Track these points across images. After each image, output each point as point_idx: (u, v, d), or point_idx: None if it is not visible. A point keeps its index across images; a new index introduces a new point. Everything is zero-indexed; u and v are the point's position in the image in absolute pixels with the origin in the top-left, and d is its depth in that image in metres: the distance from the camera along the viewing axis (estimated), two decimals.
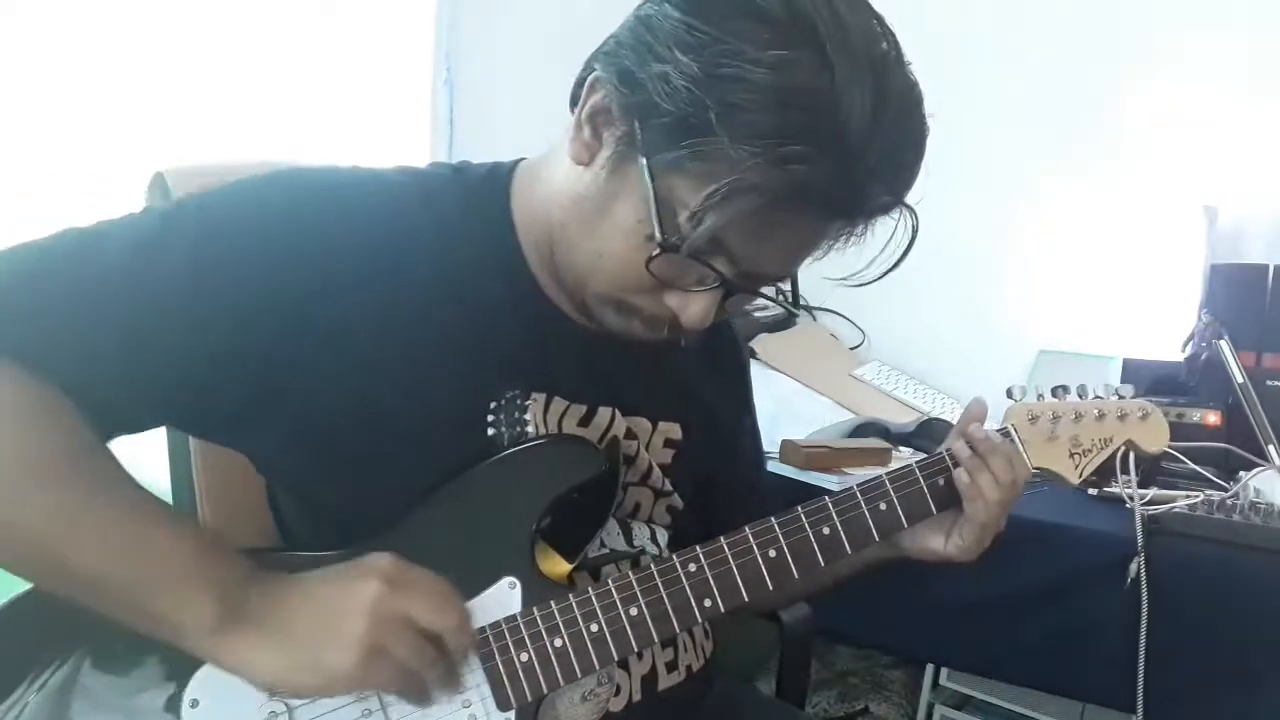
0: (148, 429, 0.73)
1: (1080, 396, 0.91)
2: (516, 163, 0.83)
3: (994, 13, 1.96)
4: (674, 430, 0.88)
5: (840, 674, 1.93)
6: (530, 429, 0.77)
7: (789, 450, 1.43)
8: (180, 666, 0.67)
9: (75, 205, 1.50)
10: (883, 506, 0.82)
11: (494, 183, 0.80)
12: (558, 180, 0.75)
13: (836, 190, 0.65)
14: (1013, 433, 0.87)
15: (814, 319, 2.12)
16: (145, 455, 1.58)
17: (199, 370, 0.68)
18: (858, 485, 0.83)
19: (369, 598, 0.64)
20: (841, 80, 0.63)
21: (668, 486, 0.88)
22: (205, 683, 0.67)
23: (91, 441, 0.66)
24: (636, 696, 0.83)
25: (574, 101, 0.74)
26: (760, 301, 0.78)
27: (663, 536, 0.89)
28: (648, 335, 0.75)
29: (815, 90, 0.63)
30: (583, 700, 0.79)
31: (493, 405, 0.76)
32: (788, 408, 1.73)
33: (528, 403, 0.77)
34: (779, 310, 0.78)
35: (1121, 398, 0.91)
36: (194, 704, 0.67)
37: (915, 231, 0.72)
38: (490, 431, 0.76)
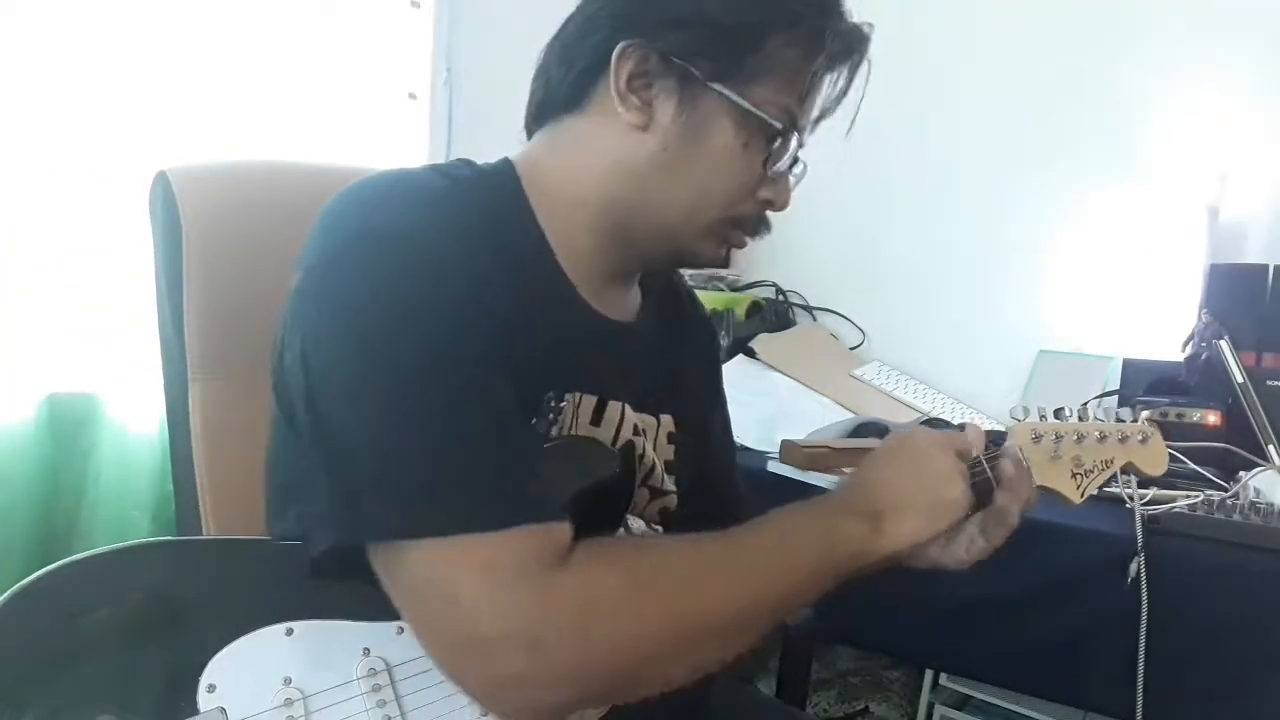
0: None
1: (1081, 418, 0.92)
2: (508, 162, 0.82)
3: (995, 12, 1.96)
4: (671, 423, 0.89)
5: (840, 674, 1.93)
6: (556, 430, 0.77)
7: (789, 450, 1.43)
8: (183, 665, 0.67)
9: (79, 206, 1.50)
10: None
11: (509, 186, 0.79)
12: (608, 159, 0.78)
13: (854, 40, 0.79)
14: (1019, 452, 0.88)
15: (814, 319, 2.12)
16: (143, 456, 1.58)
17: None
18: None
19: (943, 442, 0.81)
20: None
21: (667, 485, 0.88)
22: (222, 666, 0.67)
23: (659, 555, 0.69)
24: None
25: (571, 97, 0.78)
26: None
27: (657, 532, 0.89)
28: (743, 242, 0.84)
29: None
30: None
31: (540, 407, 0.76)
32: (788, 408, 1.73)
33: (562, 404, 0.77)
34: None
35: (1122, 420, 0.93)
36: (211, 688, 0.66)
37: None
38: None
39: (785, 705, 1.16)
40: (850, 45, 0.78)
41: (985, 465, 0.85)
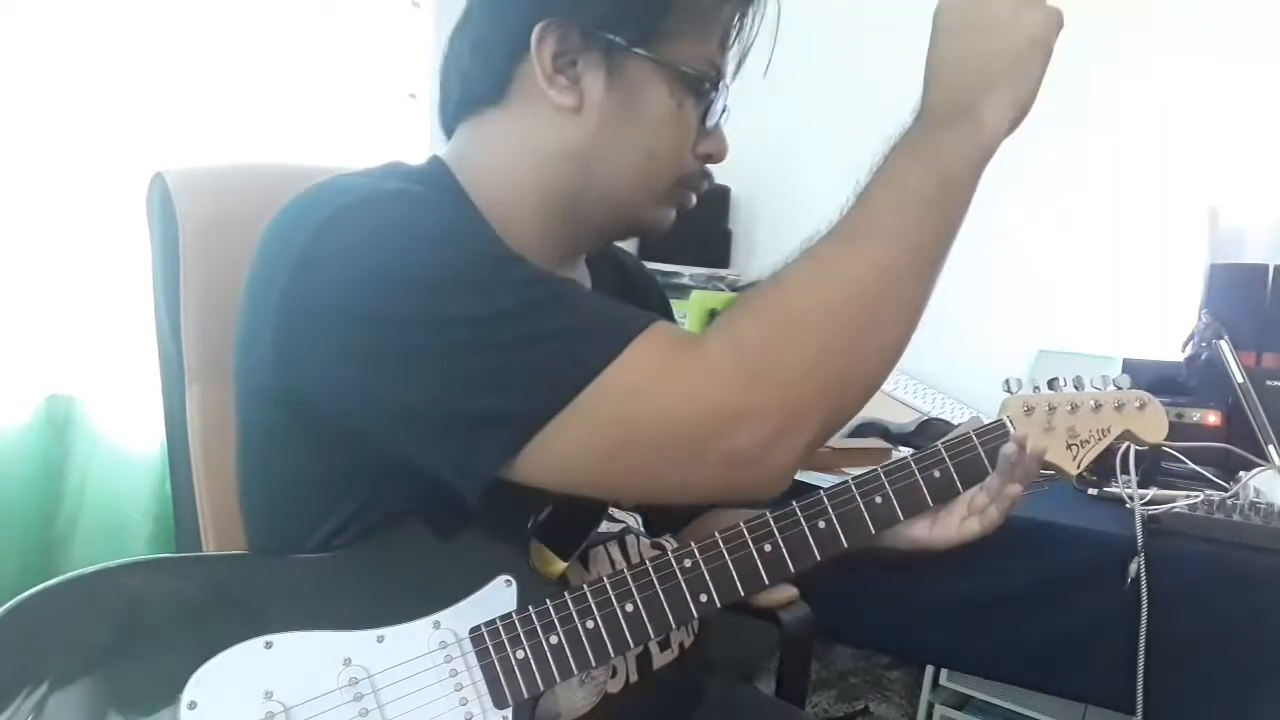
0: None
1: (1076, 388, 0.91)
2: (439, 161, 0.81)
3: None
4: None
5: (840, 674, 1.93)
6: None
7: None
8: (172, 671, 0.67)
9: (76, 207, 1.50)
10: (879, 500, 0.82)
11: (443, 177, 0.79)
12: (546, 148, 0.77)
13: None
14: (1009, 425, 0.87)
15: None
16: (141, 458, 1.58)
17: None
18: (852, 479, 0.83)
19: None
20: None
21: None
22: (202, 683, 0.67)
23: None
24: (633, 677, 0.84)
25: (488, 92, 0.78)
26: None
27: (637, 518, 0.91)
28: (691, 201, 0.83)
29: None
30: (580, 685, 0.79)
31: None
32: None
33: None
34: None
35: (1119, 388, 0.91)
36: (192, 705, 0.66)
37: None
38: None
39: (785, 705, 1.16)
40: None
41: (977, 443, 0.85)
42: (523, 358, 0.62)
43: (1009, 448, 0.84)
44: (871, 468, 0.84)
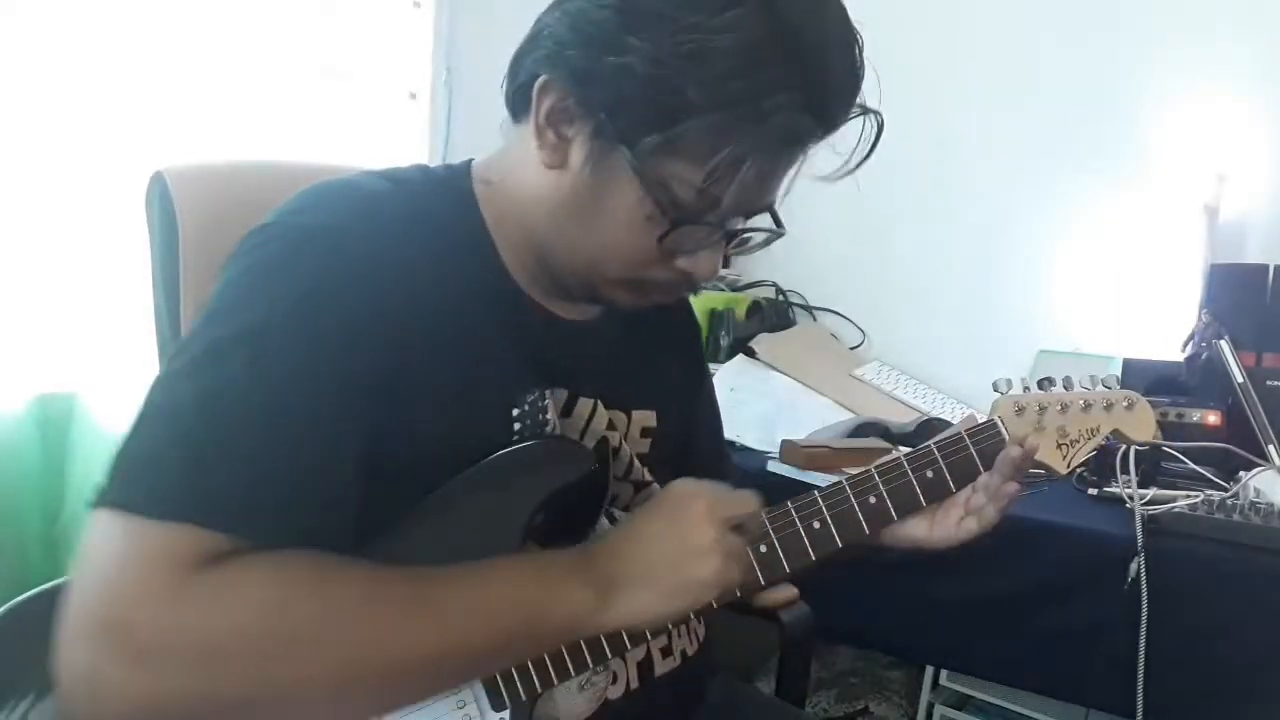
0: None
1: (1066, 389, 0.92)
2: (468, 165, 0.82)
3: (995, 13, 1.96)
4: (649, 418, 0.89)
5: (840, 674, 1.92)
6: (549, 428, 0.78)
7: (789, 450, 1.43)
8: None
9: (77, 204, 1.50)
10: (872, 500, 0.83)
11: (460, 190, 0.79)
12: (531, 189, 0.75)
13: (817, 123, 0.70)
14: (1000, 425, 0.88)
15: (814, 319, 2.12)
16: None
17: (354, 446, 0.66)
18: (847, 479, 0.83)
19: (703, 511, 0.70)
20: (791, 20, 0.66)
21: (647, 477, 0.88)
22: None
23: (359, 587, 0.62)
24: (634, 684, 0.83)
25: (515, 106, 0.76)
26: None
27: None
28: (664, 300, 0.80)
29: (775, 37, 0.66)
30: (580, 690, 0.79)
31: (515, 412, 0.76)
32: (788, 408, 1.73)
33: (545, 401, 0.78)
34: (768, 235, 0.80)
35: (1107, 388, 0.92)
36: None
37: (881, 127, 0.75)
38: (516, 437, 0.76)
39: (785, 705, 1.16)
40: (792, 135, 0.69)
41: (969, 443, 0.85)
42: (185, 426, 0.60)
43: (1014, 450, 0.84)
44: (866, 468, 0.84)
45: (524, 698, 0.72)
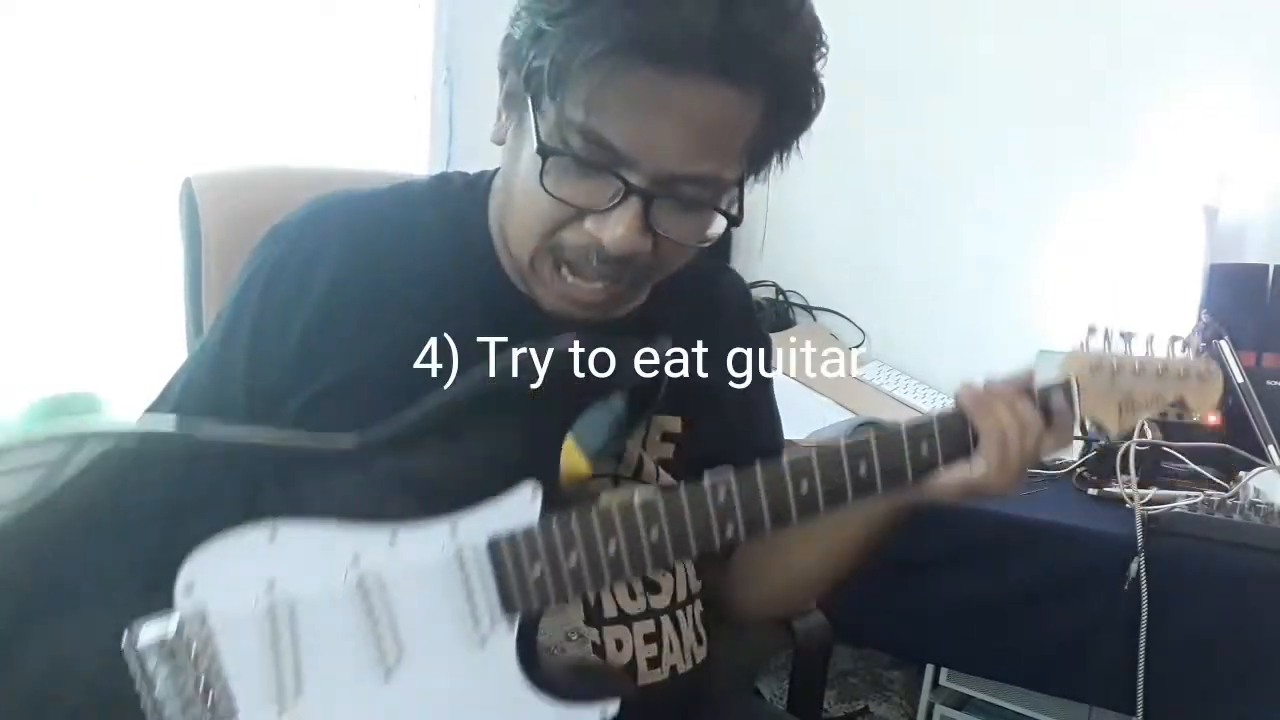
0: None
1: (1147, 349, 0.86)
2: (496, 171, 0.83)
3: (995, 15, 1.96)
4: (672, 423, 0.88)
5: (840, 674, 1.92)
6: None
7: (789, 451, 1.43)
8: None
9: (75, 206, 1.51)
10: (924, 449, 0.79)
11: (473, 192, 0.84)
12: (502, 172, 0.80)
13: (661, 32, 0.64)
14: (1073, 384, 0.83)
15: (814, 319, 2.12)
16: None
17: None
18: (904, 424, 0.79)
19: None
20: None
21: (665, 479, 0.87)
22: (201, 565, 0.64)
23: None
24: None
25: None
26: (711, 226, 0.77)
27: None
28: (583, 281, 0.75)
29: None
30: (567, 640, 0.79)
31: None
32: (788, 408, 1.72)
33: None
34: (719, 228, 0.76)
35: (1190, 359, 0.87)
36: (188, 588, 0.64)
37: (820, 96, 0.76)
38: None
39: (783, 713, 1.13)
40: (641, 35, 0.64)
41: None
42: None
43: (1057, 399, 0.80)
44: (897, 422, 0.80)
45: (536, 607, 0.70)
